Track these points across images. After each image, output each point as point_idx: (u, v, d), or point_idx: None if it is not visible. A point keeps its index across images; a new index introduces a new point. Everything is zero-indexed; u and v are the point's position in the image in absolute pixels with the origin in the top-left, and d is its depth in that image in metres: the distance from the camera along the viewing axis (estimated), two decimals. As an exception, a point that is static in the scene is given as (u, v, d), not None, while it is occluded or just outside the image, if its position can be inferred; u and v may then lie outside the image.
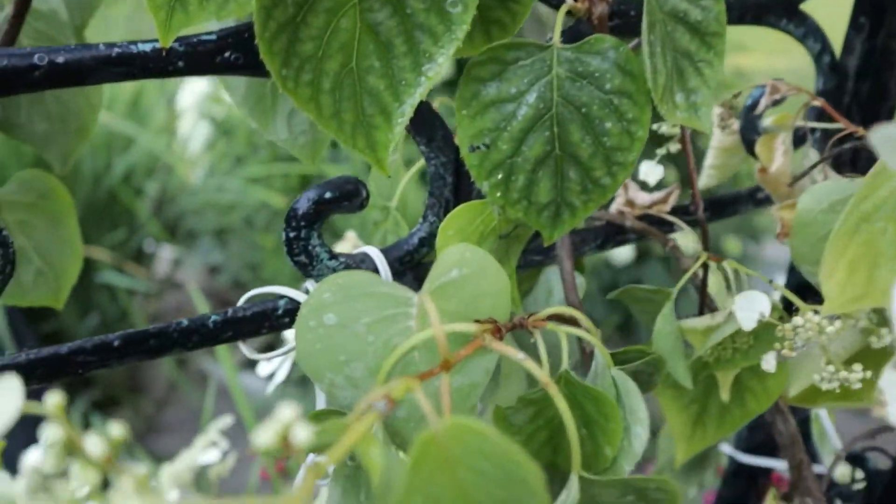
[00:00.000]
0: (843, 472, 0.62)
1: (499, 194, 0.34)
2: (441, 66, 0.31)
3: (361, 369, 0.28)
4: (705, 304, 0.43)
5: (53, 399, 0.17)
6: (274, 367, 0.58)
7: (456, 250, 0.28)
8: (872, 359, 0.35)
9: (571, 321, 0.33)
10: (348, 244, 0.54)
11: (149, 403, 1.91)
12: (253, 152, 1.96)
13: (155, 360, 0.36)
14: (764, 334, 0.40)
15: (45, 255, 0.46)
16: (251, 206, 1.94)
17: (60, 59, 0.28)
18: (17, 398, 0.17)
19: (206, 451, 0.83)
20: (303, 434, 0.17)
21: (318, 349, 0.28)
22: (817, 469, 0.65)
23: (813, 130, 0.46)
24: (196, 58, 0.29)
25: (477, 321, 0.28)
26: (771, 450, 0.69)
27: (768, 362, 0.35)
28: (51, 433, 0.16)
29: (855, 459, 0.63)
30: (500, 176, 0.34)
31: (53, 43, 0.40)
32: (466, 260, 0.28)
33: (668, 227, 0.47)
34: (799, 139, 0.46)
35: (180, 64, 0.29)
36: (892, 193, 0.32)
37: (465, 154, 0.34)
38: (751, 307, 0.34)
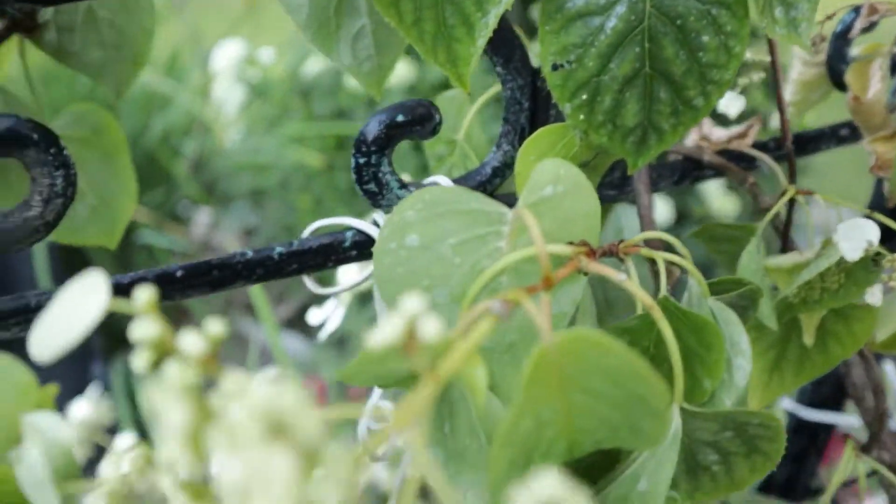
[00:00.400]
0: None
1: (582, 117, 0.32)
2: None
3: (445, 295, 0.27)
4: (788, 244, 0.41)
5: (144, 294, 0.15)
6: (324, 315, 0.56)
7: (551, 165, 0.26)
8: None
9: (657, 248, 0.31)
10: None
11: (188, 363, 1.92)
12: (287, 115, 1.94)
13: (218, 291, 0.34)
14: (857, 272, 0.37)
15: (98, 192, 0.45)
16: (287, 168, 1.93)
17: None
18: (103, 294, 0.16)
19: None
20: (432, 326, 0.15)
21: (400, 274, 0.26)
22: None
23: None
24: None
25: (570, 243, 0.26)
26: (834, 406, 0.66)
27: (874, 295, 0.32)
28: (142, 330, 0.15)
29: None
30: (584, 97, 0.32)
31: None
32: (562, 177, 0.26)
33: (747, 164, 0.44)
34: (892, 67, 0.43)
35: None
36: None
37: (548, 73, 0.32)
38: (856, 235, 0.31)
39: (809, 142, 0.47)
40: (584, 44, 0.31)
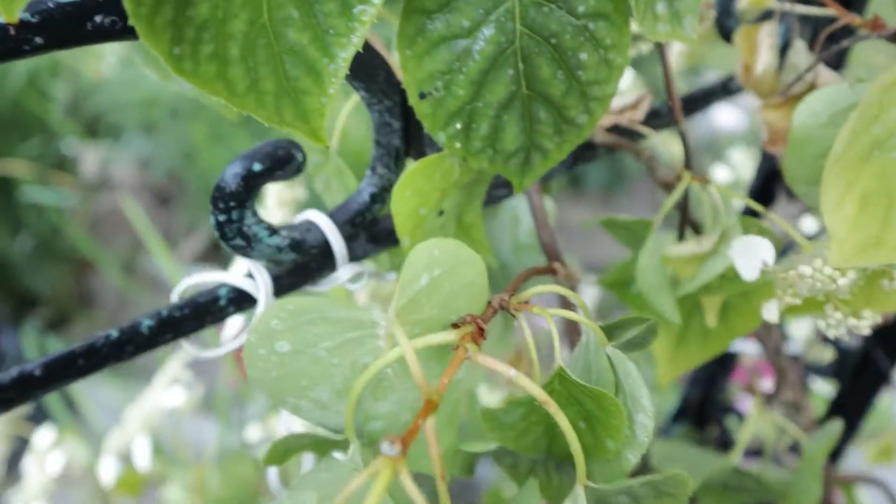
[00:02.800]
0: (816, 351, 0.62)
1: (458, 145, 0.29)
2: (378, 5, 0.24)
3: (328, 391, 0.24)
4: (685, 228, 0.39)
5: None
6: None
7: (423, 252, 0.23)
8: (880, 299, 0.32)
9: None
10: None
11: (102, 315, 1.85)
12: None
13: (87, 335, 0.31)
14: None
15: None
16: (175, 98, 1.81)
17: None
18: None
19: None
20: None
21: (275, 377, 0.24)
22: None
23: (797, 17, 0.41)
24: (57, 29, 0.23)
25: (454, 325, 0.24)
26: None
27: (770, 312, 0.32)
28: None
29: (826, 338, 0.62)
30: (458, 125, 0.29)
31: None
32: (436, 260, 0.23)
33: (640, 137, 0.42)
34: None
35: (38, 40, 0.23)
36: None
37: (415, 102, 0.28)
38: (751, 254, 0.30)
39: (700, 100, 0.45)
40: (451, 70, 0.28)
